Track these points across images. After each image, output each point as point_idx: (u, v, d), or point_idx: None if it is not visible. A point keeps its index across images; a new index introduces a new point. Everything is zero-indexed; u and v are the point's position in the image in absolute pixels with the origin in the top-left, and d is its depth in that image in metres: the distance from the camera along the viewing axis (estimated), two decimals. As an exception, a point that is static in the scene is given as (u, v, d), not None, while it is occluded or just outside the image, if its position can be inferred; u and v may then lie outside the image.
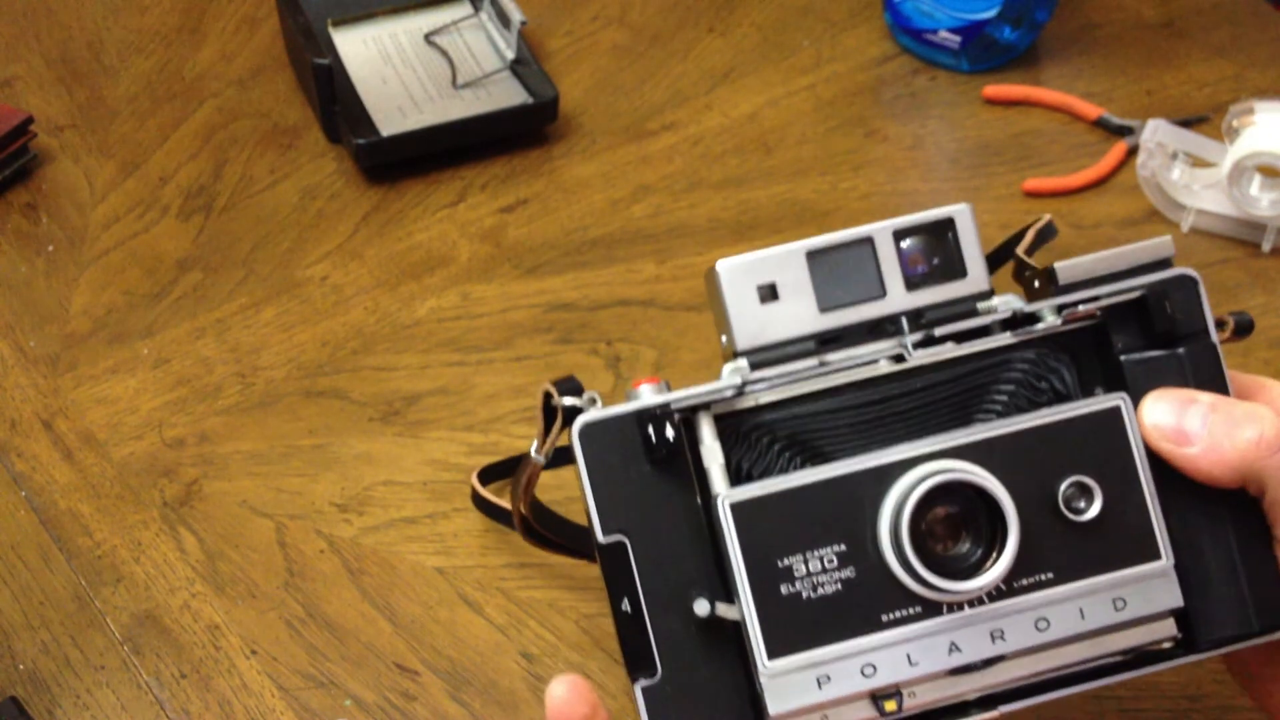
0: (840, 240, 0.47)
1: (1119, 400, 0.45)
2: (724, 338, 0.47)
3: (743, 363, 0.46)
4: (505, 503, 0.64)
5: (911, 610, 0.43)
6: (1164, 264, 0.47)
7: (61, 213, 0.83)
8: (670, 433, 0.44)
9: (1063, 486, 0.45)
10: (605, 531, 0.44)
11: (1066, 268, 0.47)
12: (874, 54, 0.93)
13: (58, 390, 0.74)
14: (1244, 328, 0.48)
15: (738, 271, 0.46)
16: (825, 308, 0.46)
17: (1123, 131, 0.86)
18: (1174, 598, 0.45)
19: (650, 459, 0.44)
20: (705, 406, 0.45)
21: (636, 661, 0.45)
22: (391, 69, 0.90)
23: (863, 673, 0.43)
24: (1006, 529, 0.43)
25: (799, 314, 0.46)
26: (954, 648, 0.44)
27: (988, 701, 0.46)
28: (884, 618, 0.43)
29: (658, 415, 0.44)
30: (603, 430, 0.44)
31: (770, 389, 0.46)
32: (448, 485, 0.69)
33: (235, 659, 0.63)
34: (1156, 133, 0.80)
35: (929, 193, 0.84)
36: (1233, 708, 0.59)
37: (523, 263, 0.80)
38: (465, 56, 0.91)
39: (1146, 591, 0.45)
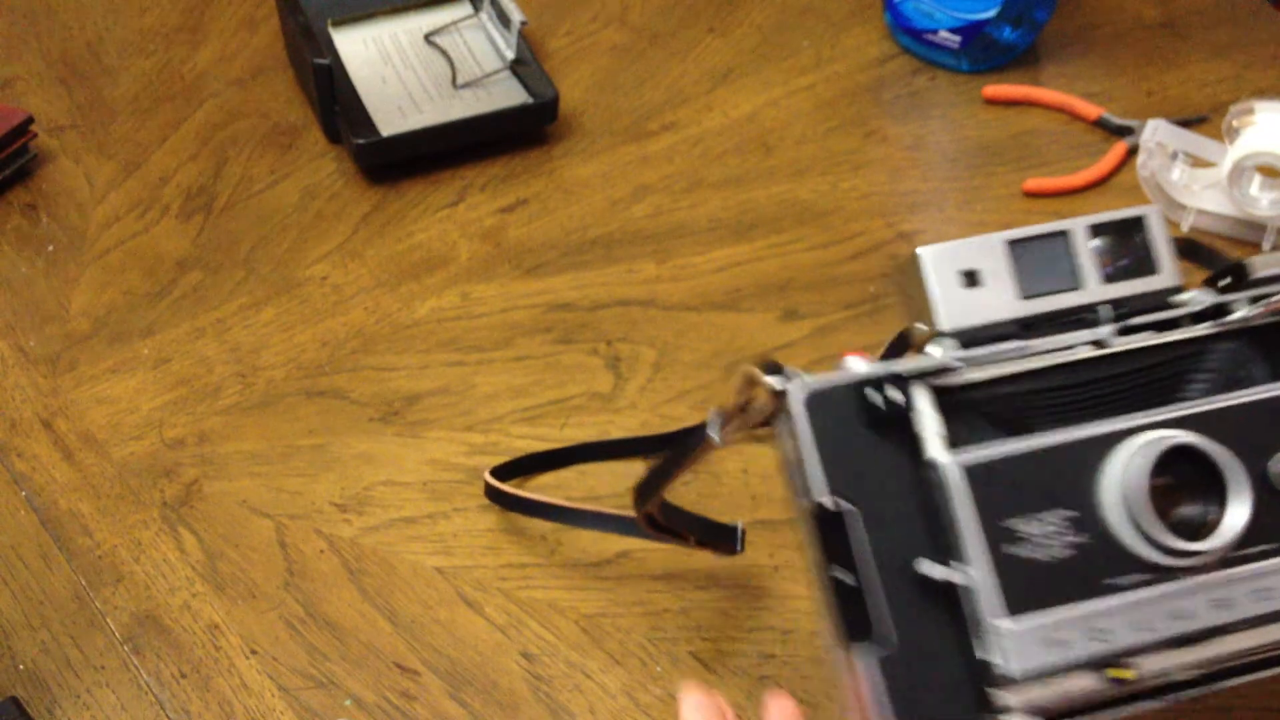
0: (1037, 232, 0.49)
1: None
2: (918, 324, 0.48)
3: (951, 341, 0.47)
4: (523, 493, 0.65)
5: (1141, 576, 0.43)
6: None
7: (61, 213, 0.83)
8: (900, 396, 0.45)
9: (1276, 458, 0.45)
10: (829, 494, 0.44)
11: (1260, 261, 0.48)
12: (874, 54, 0.93)
13: (58, 390, 0.74)
14: None
15: (940, 257, 0.48)
16: (1026, 295, 0.48)
17: (1123, 131, 0.86)
18: None
19: (870, 424, 0.45)
20: (921, 376, 0.46)
21: (855, 629, 0.44)
22: (391, 69, 0.90)
23: (1095, 638, 0.43)
24: (1234, 494, 0.43)
25: (1001, 300, 0.48)
26: (1183, 614, 0.43)
27: (1203, 680, 0.45)
28: (1112, 583, 0.43)
29: (885, 379, 0.45)
30: (825, 398, 0.45)
31: (978, 367, 0.47)
32: (448, 485, 0.69)
33: (235, 659, 0.63)
34: (1156, 133, 0.80)
35: (929, 192, 0.84)
36: (1233, 707, 0.59)
37: (523, 263, 0.80)
38: (465, 56, 0.91)
39: None
